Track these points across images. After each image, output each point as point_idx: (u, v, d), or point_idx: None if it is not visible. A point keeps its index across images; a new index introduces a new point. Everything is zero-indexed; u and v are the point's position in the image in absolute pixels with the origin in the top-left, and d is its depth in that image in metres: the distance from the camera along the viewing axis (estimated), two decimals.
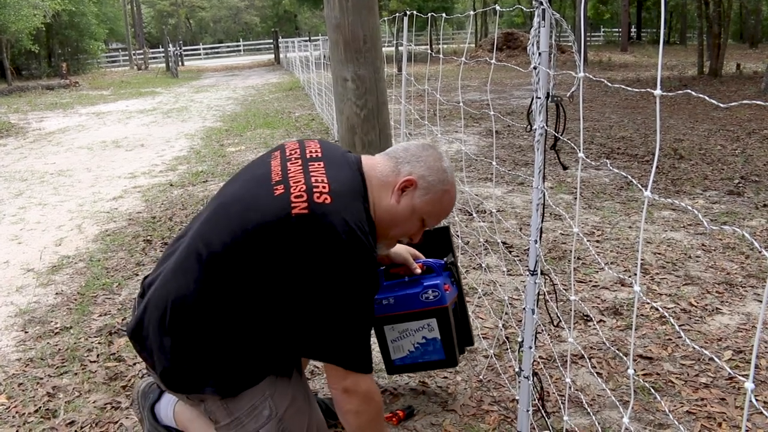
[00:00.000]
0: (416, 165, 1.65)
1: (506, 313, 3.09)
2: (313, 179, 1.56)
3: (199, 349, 1.58)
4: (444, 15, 3.11)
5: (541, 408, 2.09)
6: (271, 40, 36.89)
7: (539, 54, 1.61)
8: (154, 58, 36.49)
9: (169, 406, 1.98)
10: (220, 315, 1.55)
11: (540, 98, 1.64)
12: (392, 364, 2.20)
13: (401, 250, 2.12)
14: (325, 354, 1.55)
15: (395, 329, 2.12)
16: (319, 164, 1.62)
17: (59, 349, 2.99)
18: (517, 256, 3.89)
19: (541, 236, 1.76)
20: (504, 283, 3.51)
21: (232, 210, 1.58)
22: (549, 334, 2.88)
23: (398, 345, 2.14)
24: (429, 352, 2.13)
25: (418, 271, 2.08)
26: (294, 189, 1.53)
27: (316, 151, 1.69)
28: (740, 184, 5.40)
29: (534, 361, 1.95)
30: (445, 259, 2.10)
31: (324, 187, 1.53)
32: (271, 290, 1.52)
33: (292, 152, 1.69)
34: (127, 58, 36.92)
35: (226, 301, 1.54)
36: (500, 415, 2.31)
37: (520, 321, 3.00)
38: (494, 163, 2.76)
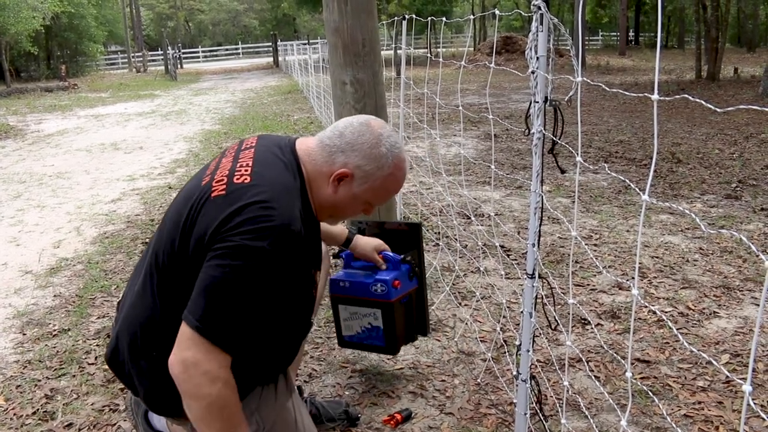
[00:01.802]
0: (351, 154, 1.56)
1: (504, 317, 3.10)
2: (237, 164, 1.51)
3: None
4: (444, 19, 3.12)
5: (538, 411, 2.10)
6: (270, 43, 36.92)
7: (537, 58, 1.62)
8: (153, 60, 36.50)
9: None
10: None
11: (538, 102, 1.65)
12: (343, 339, 2.41)
13: (368, 247, 2.20)
14: (189, 315, 1.39)
15: (347, 310, 2.31)
16: (249, 151, 1.57)
17: (57, 351, 2.99)
18: (515, 259, 3.90)
19: (539, 240, 1.76)
20: (502, 286, 3.51)
21: (170, 216, 1.55)
22: (547, 338, 2.88)
23: (349, 324, 2.33)
24: (372, 337, 2.30)
25: (384, 267, 2.20)
26: (217, 176, 1.50)
27: (251, 142, 1.64)
28: (738, 188, 5.41)
29: (532, 364, 1.95)
30: (403, 255, 2.21)
31: (246, 170, 1.48)
32: None
33: (231, 149, 1.65)
34: (126, 60, 36.95)
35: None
36: (498, 418, 2.32)
37: (518, 324, 3.01)
38: (493, 166, 2.76)
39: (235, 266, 1.36)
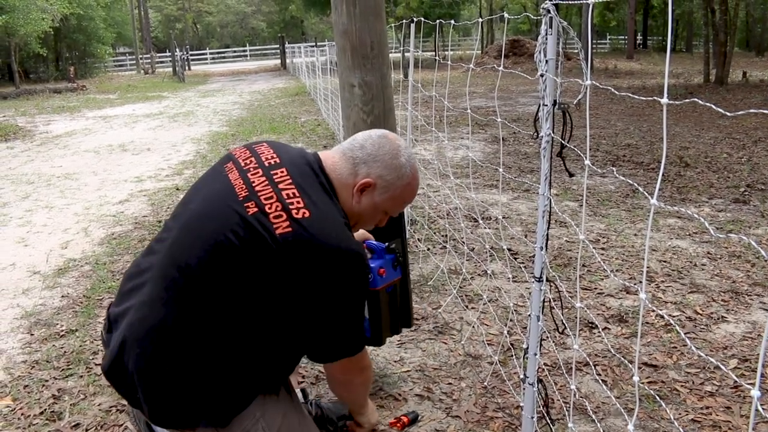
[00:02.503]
0: (373, 165, 1.63)
1: (511, 320, 3.09)
2: (284, 193, 1.52)
3: (187, 382, 1.52)
4: (452, 22, 3.12)
5: (545, 415, 2.09)
6: (278, 46, 37.01)
7: (546, 61, 1.62)
8: (161, 62, 36.64)
9: None
10: (207, 342, 1.50)
11: (547, 105, 1.65)
12: None
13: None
14: (334, 356, 1.64)
15: None
16: (281, 172, 1.58)
17: (65, 352, 3.00)
18: (522, 263, 3.89)
19: (546, 243, 1.76)
20: (509, 289, 3.51)
21: (204, 230, 1.52)
22: (554, 341, 2.87)
23: None
24: None
25: (368, 256, 2.16)
26: (269, 207, 1.49)
27: (273, 157, 1.64)
28: (746, 192, 5.39)
29: (539, 367, 1.95)
30: (387, 243, 2.19)
31: (299, 202, 1.50)
32: (259, 308, 1.48)
33: (248, 162, 1.63)
34: (135, 62, 37.05)
35: (210, 326, 1.49)
36: (505, 421, 2.31)
37: (525, 328, 3.00)
38: (500, 169, 2.76)
39: (336, 298, 1.54)
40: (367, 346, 1.88)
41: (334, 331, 1.59)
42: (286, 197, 1.51)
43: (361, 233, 2.20)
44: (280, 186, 1.54)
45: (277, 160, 1.62)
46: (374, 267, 2.10)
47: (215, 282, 1.48)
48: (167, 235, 1.61)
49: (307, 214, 1.48)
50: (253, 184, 1.55)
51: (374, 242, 2.17)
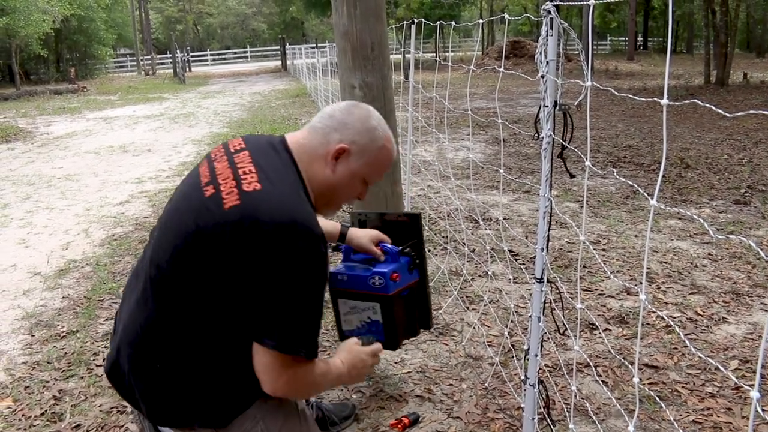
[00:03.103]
0: (344, 131, 1.60)
1: (512, 321, 3.09)
2: (240, 171, 1.51)
3: (178, 380, 1.52)
4: (452, 23, 3.13)
5: (546, 416, 2.09)
6: (278, 47, 37.02)
7: (547, 63, 1.62)
8: (162, 63, 36.65)
9: None
10: (190, 337, 1.49)
11: (547, 107, 1.65)
12: (343, 334, 2.27)
13: (363, 238, 2.13)
14: (261, 336, 1.43)
15: (347, 304, 2.20)
16: (243, 154, 1.58)
17: (66, 353, 3.00)
18: (523, 264, 3.89)
19: (547, 244, 1.76)
20: (510, 290, 3.51)
21: (170, 225, 1.54)
22: (555, 342, 2.87)
23: (348, 318, 2.22)
24: (372, 332, 2.18)
25: (382, 258, 2.12)
26: (223, 185, 1.49)
27: (240, 144, 1.64)
28: (747, 194, 5.39)
29: (540, 369, 1.95)
30: (401, 246, 2.16)
31: (252, 176, 1.48)
32: (226, 296, 1.45)
33: (218, 153, 1.65)
34: (135, 63, 37.09)
35: (190, 320, 1.48)
36: (505, 422, 2.31)
37: (526, 329, 3.00)
38: (501, 170, 2.76)
39: (279, 275, 1.40)
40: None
41: (272, 310, 1.42)
42: (241, 174, 1.50)
43: (374, 234, 2.16)
44: (238, 166, 1.53)
45: (243, 146, 1.62)
46: (387, 272, 2.06)
47: (185, 274, 1.47)
48: (153, 236, 1.63)
49: (258, 187, 1.45)
50: (216, 170, 1.56)
51: (389, 245, 2.13)
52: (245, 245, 1.39)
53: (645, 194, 1.50)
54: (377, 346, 1.79)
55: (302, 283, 1.43)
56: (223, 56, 47.81)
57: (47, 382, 2.74)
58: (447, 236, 4.39)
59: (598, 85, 1.51)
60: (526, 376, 1.93)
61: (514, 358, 2.75)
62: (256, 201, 1.43)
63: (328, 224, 2.14)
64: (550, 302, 1.99)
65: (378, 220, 2.35)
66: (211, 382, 1.53)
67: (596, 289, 3.49)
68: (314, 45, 25.71)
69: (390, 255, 2.12)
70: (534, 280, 1.84)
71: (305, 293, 1.44)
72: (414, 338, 2.58)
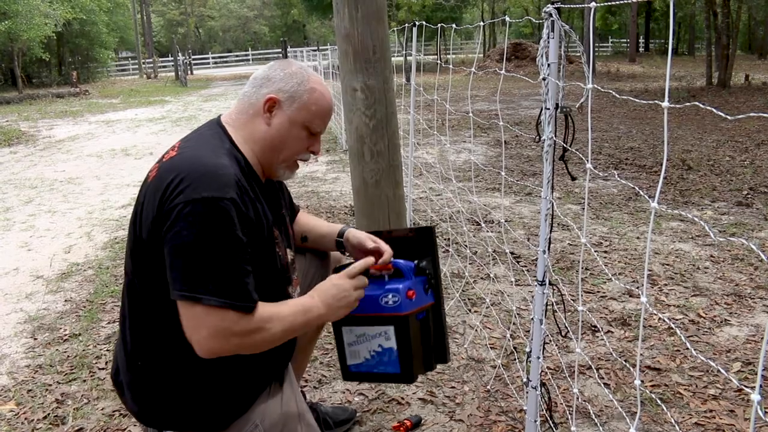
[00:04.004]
0: (269, 85, 1.62)
1: (514, 323, 3.09)
2: (168, 151, 1.57)
3: (168, 382, 1.54)
4: (454, 26, 3.13)
5: (548, 418, 2.09)
6: (280, 50, 37.04)
7: (548, 65, 1.62)
8: (164, 66, 36.69)
9: None
10: (165, 335, 1.50)
11: (549, 109, 1.65)
12: (348, 370, 1.97)
13: (361, 234, 1.94)
14: (173, 287, 1.41)
15: (353, 332, 1.91)
16: (183, 139, 1.63)
17: (68, 356, 3.00)
18: (525, 266, 3.89)
19: (549, 246, 1.76)
20: (512, 293, 3.51)
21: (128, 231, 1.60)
22: (557, 345, 2.87)
23: (355, 350, 1.93)
24: (384, 362, 1.88)
25: (390, 252, 1.86)
26: (154, 170, 1.54)
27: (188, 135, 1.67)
28: (749, 196, 5.38)
29: (542, 371, 1.95)
30: (416, 261, 1.87)
31: (173, 151, 1.54)
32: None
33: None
34: (137, 66, 37.14)
35: (158, 315, 1.50)
36: (508, 425, 2.31)
37: (528, 331, 3.00)
38: (503, 173, 2.76)
39: (189, 227, 1.38)
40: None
41: (175, 258, 1.40)
42: (168, 151, 1.57)
43: (384, 248, 1.87)
44: (168, 149, 1.60)
45: (188, 134, 1.67)
46: (401, 288, 1.78)
47: (140, 268, 1.52)
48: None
49: (173, 155, 1.52)
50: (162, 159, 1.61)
51: (402, 261, 1.85)
52: (159, 206, 1.43)
53: (646, 196, 1.50)
54: (358, 265, 1.65)
55: (203, 226, 1.39)
56: (225, 59, 47.84)
57: (50, 385, 2.74)
58: (449, 238, 4.39)
59: (600, 88, 1.51)
60: (528, 378, 1.93)
61: (516, 360, 2.74)
62: (168, 164, 1.49)
63: (323, 226, 2.06)
64: (552, 304, 1.99)
65: (385, 237, 1.97)
66: (202, 383, 1.54)
67: (598, 291, 3.48)
68: (316, 48, 25.73)
69: (405, 272, 1.82)
70: (536, 283, 1.84)
71: (207, 236, 1.39)
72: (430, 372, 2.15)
